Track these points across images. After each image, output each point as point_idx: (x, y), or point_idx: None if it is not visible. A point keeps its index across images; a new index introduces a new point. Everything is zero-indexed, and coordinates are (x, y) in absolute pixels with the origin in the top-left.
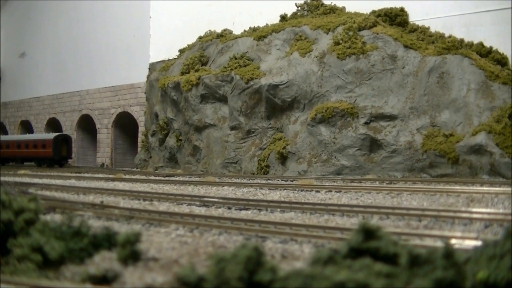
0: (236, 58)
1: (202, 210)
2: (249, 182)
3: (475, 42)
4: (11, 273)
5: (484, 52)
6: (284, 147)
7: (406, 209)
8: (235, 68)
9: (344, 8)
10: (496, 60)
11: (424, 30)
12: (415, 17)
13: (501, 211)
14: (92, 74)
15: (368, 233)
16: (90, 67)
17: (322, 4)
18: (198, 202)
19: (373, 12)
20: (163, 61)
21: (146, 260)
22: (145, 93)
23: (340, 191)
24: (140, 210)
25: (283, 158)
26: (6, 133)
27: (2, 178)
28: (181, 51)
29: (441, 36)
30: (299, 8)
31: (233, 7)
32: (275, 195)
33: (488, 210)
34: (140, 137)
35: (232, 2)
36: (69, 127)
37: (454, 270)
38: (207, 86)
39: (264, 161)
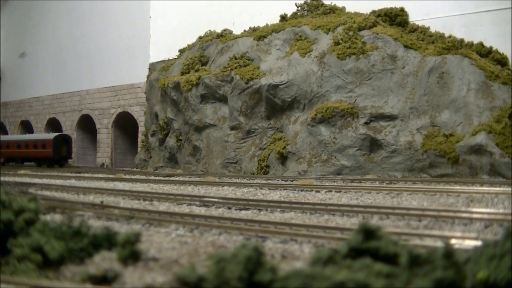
0: (236, 58)
1: (202, 210)
2: (249, 182)
3: (475, 42)
4: (11, 273)
5: (484, 52)
6: (284, 147)
7: (406, 209)
8: (235, 68)
9: (344, 8)
10: (496, 60)
11: (424, 30)
12: (415, 17)
13: (501, 211)
14: (92, 74)
15: (368, 233)
16: (90, 67)
17: (322, 4)
18: (198, 202)
19: (373, 12)
20: (163, 61)
21: (146, 260)
22: (145, 93)
23: (340, 191)
24: (140, 210)
25: (283, 158)
26: (6, 133)
27: (2, 178)
28: (181, 51)
29: (441, 36)
30: (299, 8)
31: (233, 7)
32: (275, 195)
33: (488, 210)
34: (140, 137)
35: (232, 2)
36: (69, 127)
37: (454, 270)
38: (207, 86)
39: (264, 161)
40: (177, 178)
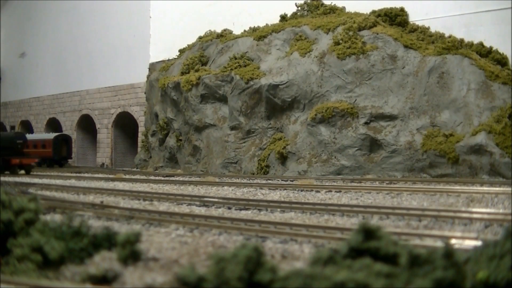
0: (236, 58)
1: (202, 210)
2: (249, 182)
3: (475, 42)
4: (11, 273)
5: (484, 52)
6: (284, 147)
7: (406, 209)
8: (235, 68)
9: (344, 8)
10: (496, 60)
11: (424, 30)
12: (415, 17)
13: (501, 211)
14: (92, 74)
15: (368, 233)
16: (90, 67)
17: (322, 4)
18: (198, 202)
19: (373, 12)
20: (163, 61)
21: (146, 260)
22: (145, 93)
23: (340, 191)
24: (140, 210)
25: (283, 158)
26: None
27: (2, 178)
28: (181, 51)
29: (441, 36)
30: (299, 8)
31: (233, 7)
32: (275, 195)
33: (488, 210)
34: (140, 137)
35: (232, 2)
36: (69, 127)
37: (454, 270)
38: (207, 86)
39: (264, 161)
40: (177, 178)
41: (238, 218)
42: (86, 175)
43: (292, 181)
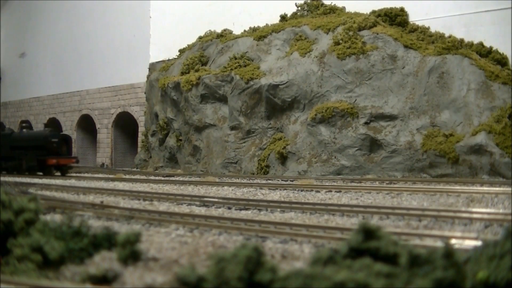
0: (236, 58)
1: (202, 210)
2: (249, 182)
3: (475, 42)
4: (11, 273)
5: (484, 52)
6: (284, 147)
7: (406, 209)
8: (235, 68)
9: (344, 8)
10: (496, 60)
11: (424, 30)
12: (415, 17)
13: (501, 211)
14: (92, 74)
15: (368, 233)
16: (90, 67)
17: (322, 4)
18: (198, 202)
19: (373, 12)
20: (163, 61)
21: (146, 260)
22: (145, 93)
23: (340, 191)
24: (140, 210)
25: (283, 158)
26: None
27: (2, 178)
28: (181, 51)
29: (441, 36)
30: (299, 8)
31: (233, 7)
32: (275, 195)
33: (488, 210)
34: (140, 137)
35: (232, 2)
36: (69, 127)
37: (454, 270)
38: (207, 86)
39: (264, 161)
40: (177, 178)
41: (238, 218)
42: (86, 175)
43: (292, 181)
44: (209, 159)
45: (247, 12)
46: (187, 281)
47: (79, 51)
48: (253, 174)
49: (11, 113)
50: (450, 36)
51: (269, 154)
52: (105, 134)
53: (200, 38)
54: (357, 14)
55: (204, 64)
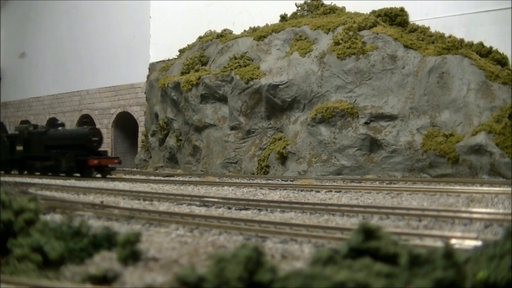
0: (236, 58)
1: (202, 210)
2: (249, 182)
3: (475, 42)
4: (11, 273)
5: (484, 52)
6: (284, 147)
7: (406, 209)
8: (235, 68)
9: (344, 8)
10: (496, 60)
11: (424, 30)
12: (415, 17)
13: (501, 211)
14: (92, 74)
15: (368, 233)
16: (90, 67)
17: (322, 4)
18: (198, 202)
19: (373, 12)
20: (163, 61)
21: (146, 260)
22: (145, 93)
23: (340, 191)
24: (140, 210)
25: (283, 158)
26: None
27: (2, 178)
28: (181, 51)
29: (441, 36)
30: (299, 8)
31: (233, 7)
32: (275, 195)
33: (488, 210)
34: (140, 137)
35: (232, 2)
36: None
37: (454, 270)
38: (207, 86)
39: (264, 161)
40: (177, 178)
41: (238, 218)
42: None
43: (292, 181)
44: (209, 159)
45: (247, 12)
46: (187, 281)
47: (79, 51)
48: (253, 174)
49: (11, 113)
50: (450, 36)
51: (269, 154)
52: (105, 134)
53: (200, 38)
54: (357, 14)
55: (204, 64)
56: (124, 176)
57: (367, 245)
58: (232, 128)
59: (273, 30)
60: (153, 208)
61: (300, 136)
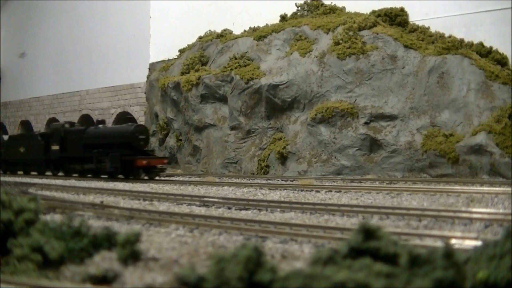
0: (236, 58)
1: (202, 210)
2: (249, 182)
3: (475, 42)
4: (11, 273)
5: (484, 52)
6: (284, 147)
7: (406, 209)
8: (235, 68)
9: (344, 8)
10: (496, 60)
11: (424, 30)
12: (415, 17)
13: (501, 211)
14: (92, 74)
15: (368, 233)
16: (90, 67)
17: (322, 4)
18: (198, 202)
19: (373, 12)
20: (163, 61)
21: (146, 260)
22: (145, 93)
23: (340, 191)
24: (140, 210)
25: (283, 158)
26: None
27: (2, 178)
28: (181, 51)
29: (441, 36)
30: (299, 8)
31: (233, 7)
32: (275, 195)
33: (488, 210)
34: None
35: (232, 2)
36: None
37: (454, 270)
38: (207, 86)
39: (264, 161)
40: (177, 178)
41: (238, 218)
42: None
43: (292, 181)
44: (209, 159)
45: (247, 12)
46: (187, 281)
47: (79, 51)
48: (253, 174)
49: (11, 113)
50: (450, 36)
51: (269, 154)
52: None
53: (200, 38)
54: (357, 14)
55: (204, 64)
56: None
57: (367, 245)
58: (232, 128)
59: (273, 30)
60: (153, 208)
61: (300, 136)
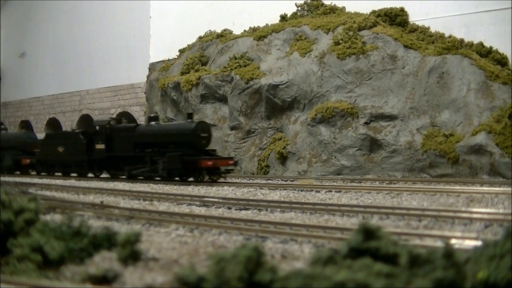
0: (236, 58)
1: (202, 210)
2: (249, 182)
3: (475, 42)
4: (11, 273)
5: (484, 52)
6: (284, 147)
7: (406, 209)
8: (235, 68)
9: (344, 8)
10: (496, 60)
11: (424, 30)
12: (415, 17)
13: (501, 211)
14: (92, 74)
15: (368, 233)
16: (90, 67)
17: (322, 4)
18: (198, 202)
19: (373, 12)
20: (163, 61)
21: (146, 260)
22: (145, 93)
23: (340, 191)
24: (140, 210)
25: (283, 158)
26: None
27: (2, 178)
28: (181, 51)
29: (441, 36)
30: (299, 8)
31: (233, 7)
32: (275, 195)
33: (488, 210)
34: None
35: (232, 2)
36: (69, 127)
37: (454, 270)
38: (207, 86)
39: (264, 161)
40: (177, 178)
41: (238, 218)
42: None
43: (292, 181)
44: None
45: (247, 12)
46: (187, 281)
47: (79, 51)
48: (253, 174)
49: (11, 113)
50: (450, 36)
51: (269, 154)
52: None
53: (200, 38)
54: (357, 14)
55: (204, 64)
56: (124, 176)
57: (367, 245)
58: (232, 128)
59: (273, 30)
60: (153, 208)
61: (300, 136)
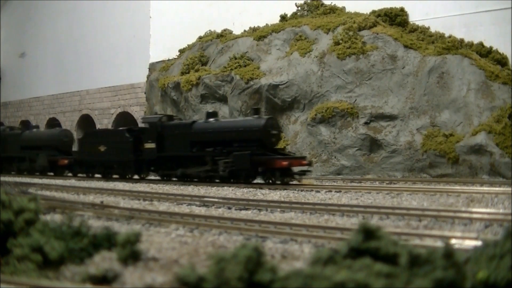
0: (236, 58)
1: (202, 210)
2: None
3: (475, 42)
4: (11, 273)
5: (484, 52)
6: (284, 147)
7: (406, 209)
8: (235, 68)
9: (344, 8)
10: (496, 60)
11: (424, 30)
12: (415, 17)
13: (501, 211)
14: (92, 74)
15: (368, 233)
16: (90, 67)
17: (322, 4)
18: (198, 202)
19: (373, 12)
20: (163, 61)
21: (146, 260)
22: (145, 93)
23: (340, 191)
24: (140, 210)
25: None
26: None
27: (2, 178)
28: (181, 51)
29: (441, 36)
30: (299, 8)
31: (233, 7)
32: (275, 195)
33: (488, 210)
34: None
35: (232, 2)
36: (69, 127)
37: (454, 270)
38: (207, 86)
39: None
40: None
41: (238, 218)
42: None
43: (292, 181)
44: None
45: (247, 12)
46: (187, 281)
47: (79, 51)
48: None
49: (11, 113)
50: (450, 36)
51: None
52: None
53: (200, 38)
54: (357, 14)
55: (204, 64)
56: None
57: (367, 245)
58: None
59: (273, 30)
60: (153, 208)
61: (300, 136)
